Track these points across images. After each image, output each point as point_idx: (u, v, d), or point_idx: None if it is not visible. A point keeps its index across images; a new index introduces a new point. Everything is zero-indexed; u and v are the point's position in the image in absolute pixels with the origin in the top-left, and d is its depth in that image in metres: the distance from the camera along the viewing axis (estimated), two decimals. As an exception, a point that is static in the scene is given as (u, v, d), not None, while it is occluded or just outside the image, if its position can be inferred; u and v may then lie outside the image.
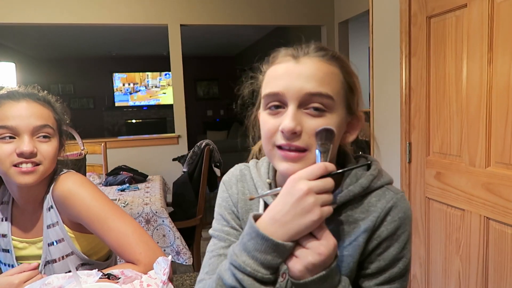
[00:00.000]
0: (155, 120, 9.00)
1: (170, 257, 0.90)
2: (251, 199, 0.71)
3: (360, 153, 0.84)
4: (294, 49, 0.70)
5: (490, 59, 1.42)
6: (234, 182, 0.82)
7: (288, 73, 0.66)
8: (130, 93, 8.80)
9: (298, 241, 0.61)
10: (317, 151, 0.63)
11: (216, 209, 0.83)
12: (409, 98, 1.92)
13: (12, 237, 1.07)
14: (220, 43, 7.24)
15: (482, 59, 1.46)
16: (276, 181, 0.79)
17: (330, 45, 4.34)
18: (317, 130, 0.64)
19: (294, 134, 0.63)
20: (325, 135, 0.63)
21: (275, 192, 0.66)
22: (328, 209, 0.59)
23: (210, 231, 0.81)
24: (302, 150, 0.64)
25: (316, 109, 0.64)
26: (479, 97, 1.48)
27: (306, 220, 0.58)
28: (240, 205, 0.80)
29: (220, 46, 7.55)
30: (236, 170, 0.84)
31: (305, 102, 0.64)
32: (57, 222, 1.04)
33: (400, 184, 2.02)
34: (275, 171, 0.79)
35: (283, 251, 0.59)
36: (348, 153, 0.78)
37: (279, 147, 0.66)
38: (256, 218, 0.63)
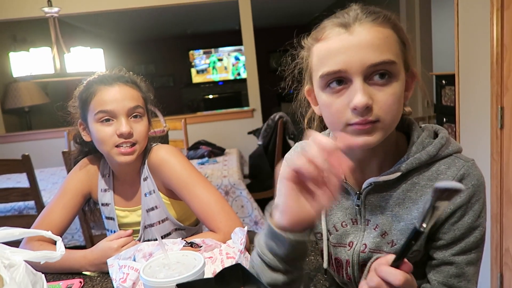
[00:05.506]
0: (230, 95, 9.20)
1: (246, 227, 0.94)
2: None
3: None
4: (339, 17, 0.65)
5: None
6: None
7: (345, 47, 0.62)
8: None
9: None
10: None
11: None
12: (501, 57, 1.72)
13: (115, 207, 1.19)
14: (291, 12, 7.08)
15: None
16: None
17: (411, 2, 4.01)
18: None
19: (367, 109, 0.62)
20: None
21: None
22: None
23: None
24: (375, 121, 0.63)
25: (382, 77, 0.62)
26: None
27: None
28: None
29: (291, 15, 7.38)
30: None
31: (369, 74, 0.62)
32: (153, 190, 1.14)
33: (490, 152, 1.85)
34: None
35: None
36: (413, 121, 0.75)
37: (350, 124, 0.64)
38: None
